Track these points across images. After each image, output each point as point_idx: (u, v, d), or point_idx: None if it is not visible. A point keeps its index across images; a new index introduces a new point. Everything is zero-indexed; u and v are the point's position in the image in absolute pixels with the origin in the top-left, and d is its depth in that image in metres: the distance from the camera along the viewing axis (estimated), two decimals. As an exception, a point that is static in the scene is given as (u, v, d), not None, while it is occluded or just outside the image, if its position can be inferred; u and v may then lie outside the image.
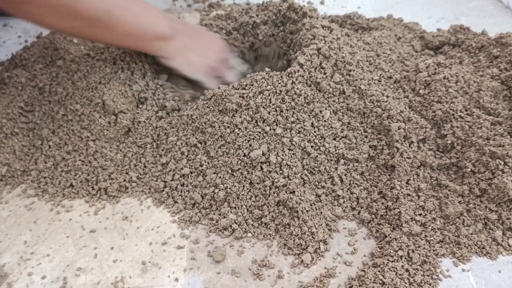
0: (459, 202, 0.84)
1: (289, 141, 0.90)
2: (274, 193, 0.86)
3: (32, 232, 0.87)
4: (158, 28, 0.97)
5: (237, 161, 0.90)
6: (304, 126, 0.92)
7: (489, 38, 1.13)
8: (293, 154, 0.90)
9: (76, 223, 0.88)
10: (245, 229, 0.84)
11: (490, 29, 1.21)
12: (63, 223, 0.88)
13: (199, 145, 0.95)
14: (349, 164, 0.91)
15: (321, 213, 0.85)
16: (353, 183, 0.90)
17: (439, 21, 1.40)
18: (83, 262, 0.81)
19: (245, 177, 0.89)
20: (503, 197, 0.81)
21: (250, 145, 0.90)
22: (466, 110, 0.94)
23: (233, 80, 1.04)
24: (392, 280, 0.73)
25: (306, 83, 0.94)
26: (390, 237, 0.80)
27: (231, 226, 0.84)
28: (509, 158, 0.83)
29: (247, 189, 0.88)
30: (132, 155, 0.97)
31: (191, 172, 0.93)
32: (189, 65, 1.04)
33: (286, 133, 0.91)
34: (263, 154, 0.88)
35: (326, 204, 0.88)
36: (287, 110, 0.92)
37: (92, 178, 0.94)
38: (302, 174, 0.89)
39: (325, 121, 0.94)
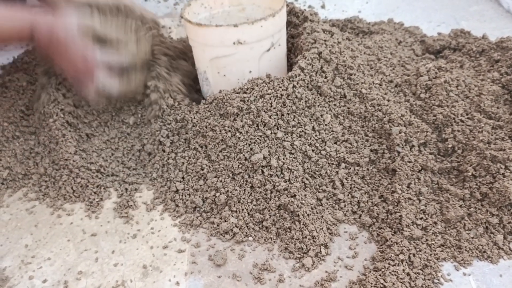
0: (460, 206, 0.84)
1: (290, 145, 0.90)
2: (275, 196, 0.86)
3: (33, 236, 0.87)
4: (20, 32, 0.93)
5: (238, 165, 0.90)
6: (305, 130, 0.92)
7: (490, 42, 1.13)
8: (294, 158, 0.90)
9: (77, 226, 0.88)
10: (246, 233, 0.84)
11: (490, 33, 1.21)
12: (64, 226, 0.88)
13: (200, 149, 0.95)
14: (350, 168, 0.91)
15: (322, 217, 0.85)
16: (354, 187, 0.90)
17: (440, 25, 1.40)
18: (84, 265, 0.81)
19: (246, 180, 0.89)
20: (504, 201, 0.81)
21: (251, 149, 0.90)
22: (467, 114, 0.94)
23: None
24: (393, 284, 0.73)
25: (307, 87, 0.95)
26: (391, 241, 0.80)
27: (232, 230, 0.84)
28: (510, 162, 0.83)
29: (248, 192, 0.88)
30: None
31: (192, 176, 0.93)
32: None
33: (287, 137, 0.91)
34: (264, 158, 0.88)
35: (327, 208, 0.88)
36: (288, 114, 0.92)
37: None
38: (303, 178, 0.89)
39: (326, 125, 0.94)
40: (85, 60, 0.93)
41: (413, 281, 0.74)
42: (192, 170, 0.93)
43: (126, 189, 0.95)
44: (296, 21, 1.13)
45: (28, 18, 0.92)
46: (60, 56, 0.94)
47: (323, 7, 1.55)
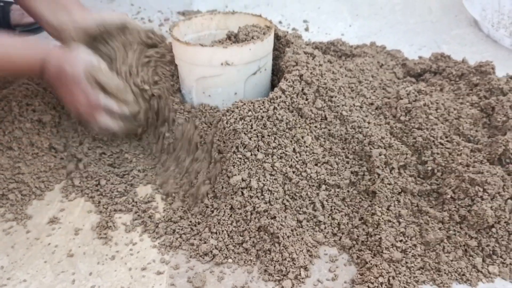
0: (439, 228, 0.84)
1: (271, 166, 0.90)
2: (255, 218, 0.86)
3: (9, 257, 0.85)
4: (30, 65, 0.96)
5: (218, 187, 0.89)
6: (286, 151, 0.92)
7: (469, 66, 1.15)
8: (274, 179, 0.90)
9: (55, 247, 0.87)
10: (226, 254, 0.84)
11: (471, 57, 1.23)
12: (41, 247, 0.87)
13: (180, 170, 0.95)
14: (331, 190, 0.92)
15: (302, 238, 0.85)
16: (334, 208, 0.90)
17: (421, 49, 1.42)
18: (60, 288, 0.80)
19: (226, 202, 0.88)
20: (482, 223, 0.82)
21: (230, 171, 0.90)
22: (446, 137, 0.95)
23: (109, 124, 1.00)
24: (372, 307, 0.73)
25: (288, 108, 0.95)
26: (371, 264, 0.80)
27: (211, 252, 0.84)
28: (488, 185, 0.84)
29: (228, 214, 0.87)
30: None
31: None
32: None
33: (267, 159, 0.91)
34: (243, 180, 0.88)
35: (307, 230, 0.87)
36: (268, 135, 0.92)
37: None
38: (283, 200, 0.89)
39: (306, 146, 0.94)
40: (88, 101, 0.95)
41: (392, 304, 0.74)
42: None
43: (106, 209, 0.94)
44: (278, 44, 1.14)
45: (41, 50, 0.95)
46: (65, 93, 0.96)
47: (306, 29, 1.56)
